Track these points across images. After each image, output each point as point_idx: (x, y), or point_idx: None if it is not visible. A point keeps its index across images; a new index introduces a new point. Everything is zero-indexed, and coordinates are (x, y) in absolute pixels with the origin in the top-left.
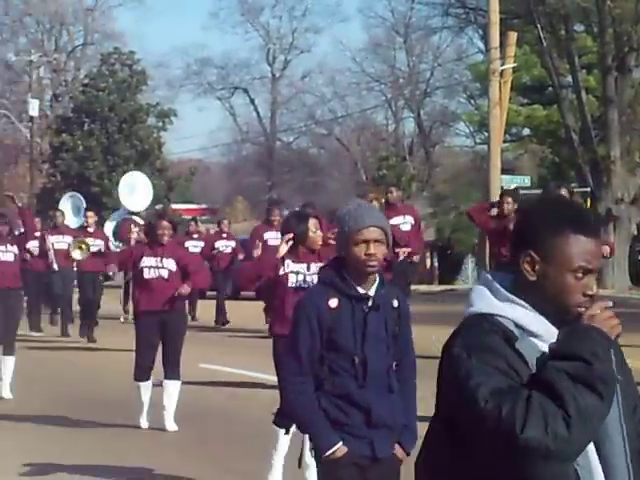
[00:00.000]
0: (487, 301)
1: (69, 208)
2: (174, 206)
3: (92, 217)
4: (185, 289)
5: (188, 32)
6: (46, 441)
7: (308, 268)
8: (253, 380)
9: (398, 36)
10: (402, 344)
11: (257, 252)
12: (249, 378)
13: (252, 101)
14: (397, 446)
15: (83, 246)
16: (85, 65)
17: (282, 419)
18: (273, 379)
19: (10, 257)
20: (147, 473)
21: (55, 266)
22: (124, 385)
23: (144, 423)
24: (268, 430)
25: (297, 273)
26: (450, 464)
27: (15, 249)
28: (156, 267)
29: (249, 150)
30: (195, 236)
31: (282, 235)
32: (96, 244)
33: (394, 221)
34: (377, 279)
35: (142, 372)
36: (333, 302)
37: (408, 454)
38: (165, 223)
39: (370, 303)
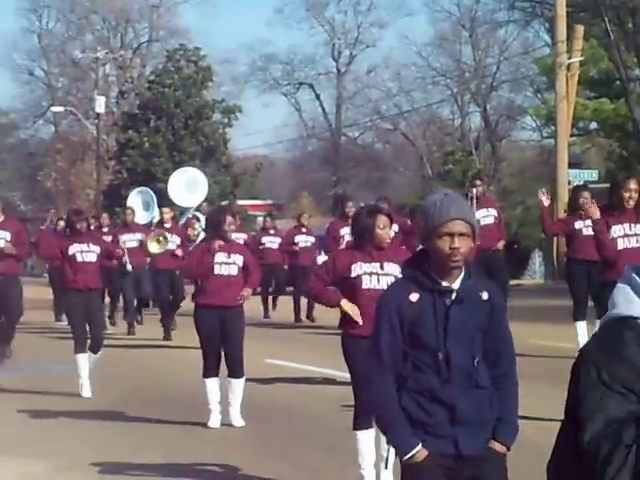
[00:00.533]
0: (631, 302)
1: (139, 204)
2: (239, 202)
3: (168, 213)
4: (248, 292)
5: (253, 28)
6: (116, 438)
7: (381, 267)
8: (322, 376)
9: (464, 30)
10: (498, 338)
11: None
12: (318, 374)
13: (317, 96)
14: (493, 441)
15: (161, 239)
16: (151, 62)
17: (360, 421)
18: (342, 375)
19: (93, 257)
20: (214, 469)
21: (129, 266)
22: (196, 382)
23: (214, 421)
24: (334, 426)
25: (370, 274)
26: (577, 467)
27: (97, 248)
28: (226, 263)
29: (314, 146)
30: (271, 232)
31: (352, 230)
32: (173, 240)
33: (477, 215)
34: (463, 271)
35: (209, 368)
36: (414, 296)
37: (508, 448)
38: (230, 218)
39: (453, 296)
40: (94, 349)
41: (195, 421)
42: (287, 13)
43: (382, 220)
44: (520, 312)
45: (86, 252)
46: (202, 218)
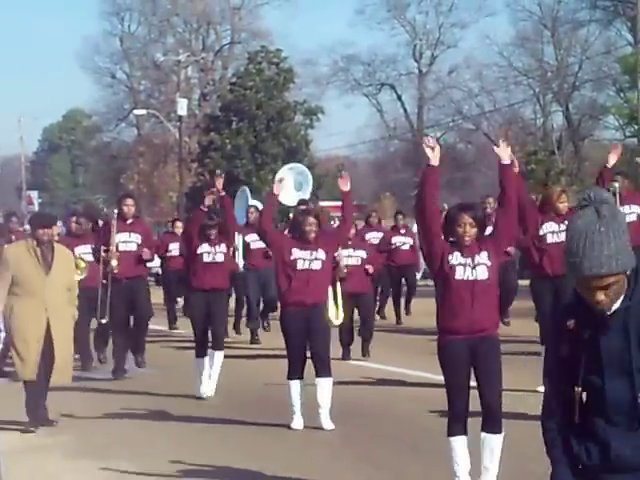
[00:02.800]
0: None
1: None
2: (322, 203)
3: (253, 213)
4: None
5: (334, 29)
6: (199, 439)
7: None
8: (411, 379)
9: (545, 29)
10: None
11: None
12: (407, 377)
13: (399, 97)
14: None
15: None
16: (232, 64)
17: (452, 427)
18: (426, 376)
19: (220, 258)
20: (301, 472)
21: (242, 268)
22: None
23: (297, 423)
24: (420, 427)
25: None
26: None
27: (224, 249)
28: (309, 260)
29: (396, 146)
30: (402, 231)
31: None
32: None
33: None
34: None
35: (294, 370)
36: (570, 323)
37: None
38: (312, 219)
39: (611, 321)
40: (215, 347)
41: (281, 423)
42: (368, 14)
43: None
44: None
45: (213, 253)
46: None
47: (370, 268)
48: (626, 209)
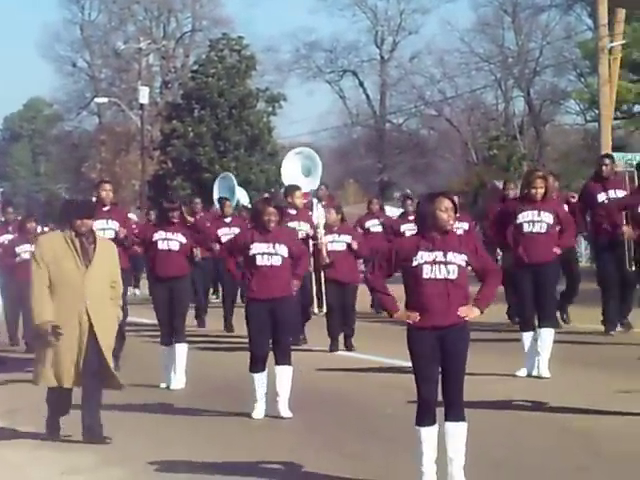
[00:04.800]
0: None
1: (219, 190)
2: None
3: (229, 206)
4: (296, 285)
5: (296, 16)
6: (165, 429)
7: (444, 256)
8: (374, 365)
9: (506, 15)
10: None
11: None
12: (368, 363)
13: (361, 84)
14: None
15: None
16: (194, 51)
17: (421, 417)
18: (389, 362)
19: (175, 246)
20: (265, 459)
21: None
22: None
23: (258, 413)
24: (384, 414)
25: (432, 263)
26: None
27: (182, 238)
28: (268, 254)
29: (359, 133)
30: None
31: (416, 220)
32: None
33: (602, 197)
34: None
35: (256, 363)
36: None
37: None
38: (271, 209)
39: None
40: (177, 339)
41: (240, 412)
42: (330, 0)
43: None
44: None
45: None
46: (315, 204)
47: (354, 244)
48: (611, 194)
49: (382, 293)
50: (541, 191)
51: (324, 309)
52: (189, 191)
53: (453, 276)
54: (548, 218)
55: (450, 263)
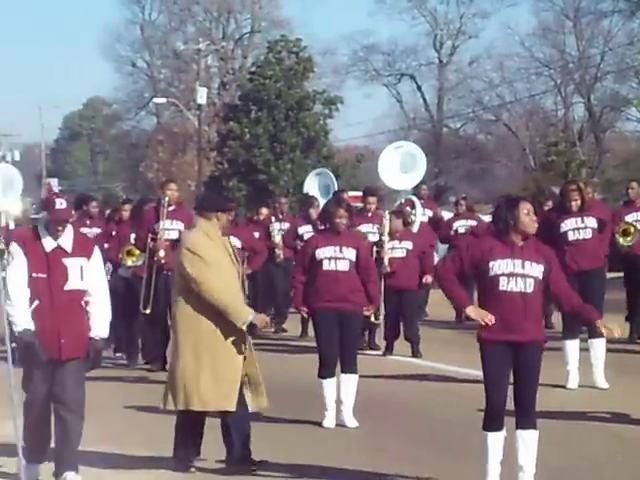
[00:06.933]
0: None
1: (316, 187)
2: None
3: (316, 207)
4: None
5: (354, 19)
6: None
7: (522, 266)
8: (443, 373)
9: (568, 20)
10: None
11: None
12: (439, 371)
13: (419, 87)
14: None
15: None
16: (252, 53)
17: (488, 423)
18: (448, 369)
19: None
20: (318, 463)
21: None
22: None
23: (329, 422)
24: (454, 426)
25: (509, 276)
26: None
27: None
28: (335, 258)
29: (416, 137)
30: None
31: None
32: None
33: (630, 217)
34: None
35: (325, 368)
36: None
37: None
38: (343, 211)
39: None
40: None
41: (310, 420)
42: (389, 3)
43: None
44: None
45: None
46: (418, 203)
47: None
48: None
49: (452, 286)
50: (577, 203)
51: (381, 318)
52: (244, 192)
53: (530, 289)
54: (592, 223)
55: (528, 276)
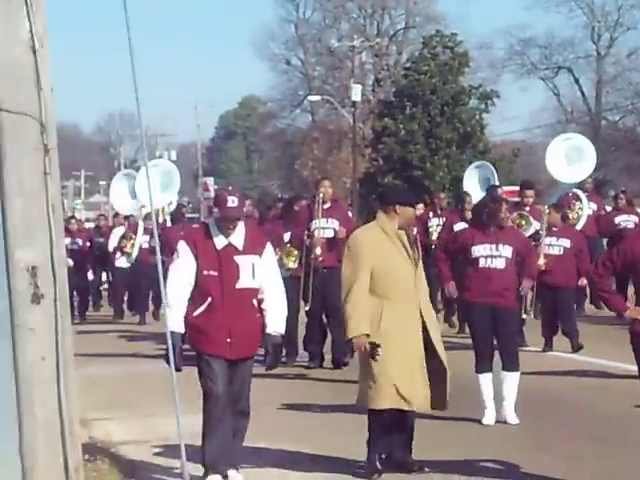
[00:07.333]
0: None
1: (476, 181)
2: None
3: (469, 203)
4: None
5: (510, 12)
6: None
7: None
8: (603, 369)
9: None
10: None
11: None
12: (598, 367)
13: (576, 80)
14: None
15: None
16: (407, 49)
17: None
18: (624, 367)
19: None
20: (473, 459)
21: None
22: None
23: (489, 419)
24: (615, 422)
25: None
26: None
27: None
28: (491, 256)
29: (573, 130)
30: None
31: None
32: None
33: None
34: None
35: (482, 362)
36: None
37: None
38: (504, 207)
39: None
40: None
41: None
42: None
43: None
44: None
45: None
46: (583, 196)
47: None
48: None
49: (608, 293)
50: None
51: (532, 314)
52: None
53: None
54: None
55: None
